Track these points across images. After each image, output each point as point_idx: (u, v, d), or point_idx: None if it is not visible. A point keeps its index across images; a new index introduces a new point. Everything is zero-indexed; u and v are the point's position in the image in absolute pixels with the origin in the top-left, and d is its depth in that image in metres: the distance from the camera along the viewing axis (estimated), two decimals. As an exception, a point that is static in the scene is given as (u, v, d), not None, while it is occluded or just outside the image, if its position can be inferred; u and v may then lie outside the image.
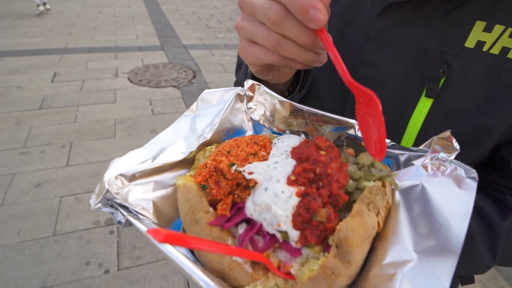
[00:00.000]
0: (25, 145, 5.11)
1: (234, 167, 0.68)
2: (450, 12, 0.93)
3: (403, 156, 0.82)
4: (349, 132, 0.88)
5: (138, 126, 5.72)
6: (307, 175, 0.68)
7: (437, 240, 0.63)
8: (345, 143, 0.79)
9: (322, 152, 0.71)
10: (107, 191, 0.69)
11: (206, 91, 0.95)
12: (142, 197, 0.74)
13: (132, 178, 0.74)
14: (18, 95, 6.41)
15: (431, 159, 0.78)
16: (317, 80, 1.22)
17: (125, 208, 0.70)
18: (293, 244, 0.67)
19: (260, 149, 0.74)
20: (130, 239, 3.77)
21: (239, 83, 1.12)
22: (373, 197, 0.68)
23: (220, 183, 0.70)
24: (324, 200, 0.66)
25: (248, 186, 0.70)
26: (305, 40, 0.73)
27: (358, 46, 1.10)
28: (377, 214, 0.69)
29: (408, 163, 0.82)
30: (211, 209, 0.69)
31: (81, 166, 4.76)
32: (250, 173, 0.69)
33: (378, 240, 0.71)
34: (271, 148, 0.76)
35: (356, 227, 0.63)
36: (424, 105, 0.99)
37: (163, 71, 7.80)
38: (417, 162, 0.80)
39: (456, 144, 0.76)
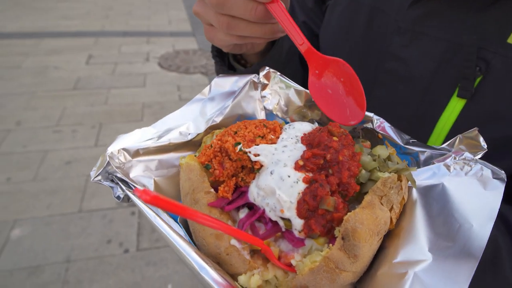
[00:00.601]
0: (59, 123, 5.33)
1: (239, 147, 0.65)
2: (491, 4, 0.82)
3: (424, 154, 0.76)
4: (366, 126, 0.83)
5: (165, 111, 5.81)
6: (316, 160, 0.63)
7: (455, 241, 0.57)
8: (361, 135, 0.73)
9: (335, 138, 0.66)
10: (108, 163, 0.68)
11: (220, 75, 0.91)
12: (144, 174, 0.72)
13: (135, 154, 0.73)
14: (55, 75, 6.68)
15: (454, 158, 0.71)
16: None
17: (125, 183, 0.69)
18: (296, 233, 0.62)
19: (269, 132, 0.70)
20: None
21: (217, 63, 1.09)
22: (387, 190, 0.62)
23: (224, 164, 0.67)
24: (333, 188, 0.61)
25: (253, 169, 0.66)
26: (253, 16, 0.70)
27: (386, 38, 1.02)
28: (391, 209, 0.63)
29: (428, 162, 0.75)
30: (212, 190, 0.66)
31: (108, 146, 4.92)
32: (256, 155, 0.65)
33: (389, 238, 0.65)
34: (281, 133, 0.71)
35: (366, 220, 0.58)
36: (455, 106, 0.89)
37: (192, 58, 7.87)
38: (439, 161, 0.74)
39: (483, 143, 0.70)
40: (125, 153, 0.71)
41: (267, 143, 0.68)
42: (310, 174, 0.63)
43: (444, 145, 0.77)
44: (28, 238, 3.54)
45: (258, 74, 0.92)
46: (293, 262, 0.63)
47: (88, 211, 3.88)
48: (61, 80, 6.52)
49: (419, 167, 0.78)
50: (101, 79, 6.71)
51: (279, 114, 0.91)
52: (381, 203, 0.62)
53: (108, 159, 0.68)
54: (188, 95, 6.44)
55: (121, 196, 0.67)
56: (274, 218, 0.63)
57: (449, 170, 0.71)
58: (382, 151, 0.68)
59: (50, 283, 3.18)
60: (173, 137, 0.78)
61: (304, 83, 1.29)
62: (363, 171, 0.64)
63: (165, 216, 0.68)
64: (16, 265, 3.28)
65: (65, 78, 6.62)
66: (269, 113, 0.93)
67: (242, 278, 0.62)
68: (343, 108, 0.62)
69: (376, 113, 0.89)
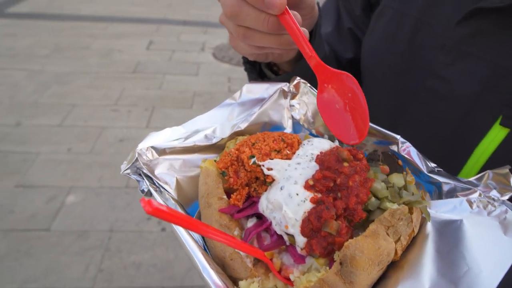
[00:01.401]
0: (117, 103, 5.74)
1: (253, 160, 0.68)
2: None
3: (448, 185, 0.73)
4: (391, 148, 0.81)
5: (214, 101, 6.00)
6: (326, 183, 0.64)
7: (458, 286, 0.55)
8: (380, 158, 0.72)
9: (345, 164, 0.66)
10: (137, 159, 0.74)
11: (251, 81, 0.94)
12: (168, 172, 0.78)
13: (162, 152, 0.78)
14: (118, 58, 7.17)
15: (480, 195, 0.68)
16: (373, 91, 1.14)
17: (150, 178, 0.75)
18: (298, 250, 0.64)
19: (285, 147, 0.72)
20: (188, 204, 4.06)
21: (246, 69, 1.10)
22: (395, 221, 0.61)
23: (239, 173, 0.70)
24: (339, 212, 0.62)
25: (265, 181, 0.69)
26: (266, 27, 0.70)
27: (430, 54, 0.97)
28: (397, 240, 0.62)
29: (451, 194, 0.73)
30: (225, 196, 0.70)
31: (158, 130, 5.22)
32: (269, 169, 0.68)
33: (393, 268, 0.65)
34: (298, 148, 0.73)
35: (367, 249, 0.58)
36: (496, 135, 0.84)
37: (246, 51, 7.97)
38: (462, 195, 0.70)
39: None
40: (153, 150, 0.77)
41: (282, 158, 0.70)
42: (319, 195, 0.64)
43: (472, 179, 0.73)
44: (79, 205, 3.91)
45: (289, 83, 0.94)
46: (291, 276, 0.65)
47: (133, 188, 4.17)
48: (123, 63, 6.98)
49: (441, 198, 0.76)
50: (158, 64, 7.07)
51: (305, 125, 0.92)
52: (387, 234, 0.61)
53: (137, 155, 0.74)
54: (238, 87, 6.55)
55: (145, 190, 0.74)
56: (279, 232, 0.66)
57: (471, 206, 0.68)
58: (398, 179, 0.67)
59: (94, 247, 3.49)
60: (199, 139, 0.83)
61: None
62: (373, 199, 0.64)
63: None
64: (67, 228, 3.64)
65: (127, 61, 7.07)
66: (296, 123, 0.94)
67: (242, 284, 0.66)
68: (347, 125, 0.62)
69: (410, 130, 0.86)
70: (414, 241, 0.67)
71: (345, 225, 0.61)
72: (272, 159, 0.69)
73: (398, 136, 0.79)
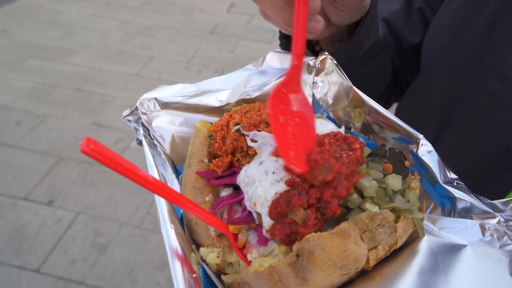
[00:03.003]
0: (190, 61, 5.98)
1: (237, 127, 0.63)
2: None
3: (463, 203, 0.61)
4: (411, 148, 0.70)
5: (281, 73, 5.90)
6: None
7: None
8: (386, 155, 0.62)
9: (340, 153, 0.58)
10: (137, 108, 0.75)
11: (275, 50, 0.88)
12: (166, 126, 0.77)
13: (165, 105, 0.78)
14: (199, 17, 7.37)
15: (499, 222, 0.56)
16: (427, 86, 0.98)
17: (147, 129, 0.76)
18: (263, 231, 0.60)
19: (279, 121, 0.66)
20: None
21: (281, 44, 0.99)
22: (374, 226, 0.53)
23: (226, 139, 0.67)
24: (311, 201, 0.55)
25: (248, 153, 0.64)
26: None
27: (503, 50, 0.81)
28: (372, 248, 0.54)
29: (466, 214, 0.61)
30: (206, 160, 0.67)
31: (222, 93, 5.35)
32: (253, 141, 0.63)
33: (363, 278, 0.57)
34: (293, 125, 0.66)
35: (330, 247, 0.52)
36: None
37: (326, 26, 7.59)
38: (478, 218, 0.58)
39: None
40: (156, 102, 0.77)
41: (270, 132, 0.64)
42: (297, 178, 0.58)
43: (497, 202, 0.61)
44: (141, 151, 4.26)
45: (316, 57, 0.85)
46: (249, 256, 0.61)
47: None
48: (203, 23, 7.16)
49: (453, 216, 0.64)
50: (235, 28, 7.12)
51: (324, 106, 0.84)
52: (361, 238, 0.54)
53: (138, 104, 0.75)
54: (309, 62, 6.34)
55: (140, 139, 0.75)
56: (248, 208, 0.62)
57: (483, 233, 0.57)
58: (394, 181, 0.57)
59: (146, 192, 3.80)
60: (205, 100, 0.81)
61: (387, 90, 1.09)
62: (355, 196, 0.56)
63: (169, 169, 0.74)
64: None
65: (206, 21, 7.24)
66: (316, 102, 0.86)
67: (202, 250, 0.64)
68: (287, 147, 0.55)
69: (457, 139, 0.74)
70: (397, 255, 0.58)
71: (315, 216, 0.55)
72: (259, 131, 0.64)
73: (420, 136, 0.68)
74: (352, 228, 0.53)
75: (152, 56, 5.95)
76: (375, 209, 0.53)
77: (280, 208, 0.57)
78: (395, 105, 1.37)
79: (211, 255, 0.62)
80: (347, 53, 0.89)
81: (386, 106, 1.25)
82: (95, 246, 3.33)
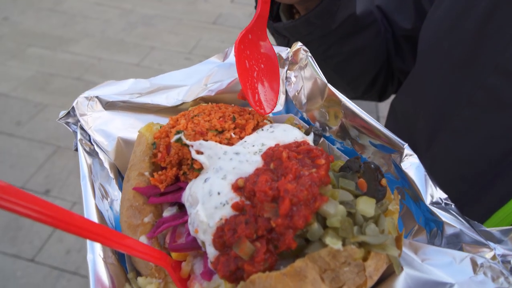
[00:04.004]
0: (191, 52, 5.85)
1: (177, 136, 0.52)
2: None
3: (452, 229, 0.49)
4: (393, 157, 0.58)
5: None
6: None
7: None
8: (361, 170, 0.51)
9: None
10: (73, 108, 0.64)
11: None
12: (109, 129, 0.66)
13: (110, 105, 0.67)
14: (202, 7, 7.20)
15: (494, 257, 0.44)
16: (422, 82, 0.91)
17: (86, 133, 0.65)
18: (209, 262, 0.49)
19: (233, 129, 0.54)
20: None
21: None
22: (337, 265, 0.42)
23: (171, 149, 0.56)
24: (260, 232, 0.44)
25: (192, 166, 0.53)
26: None
27: (503, 41, 0.71)
28: (335, 291, 0.43)
29: (455, 242, 0.49)
30: (147, 173, 0.56)
31: (223, 84, 5.24)
32: (198, 152, 0.52)
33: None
34: (250, 133, 0.55)
35: (279, 292, 0.41)
36: None
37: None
38: (470, 250, 0.47)
39: None
40: (99, 101, 0.67)
41: (220, 141, 0.53)
42: (247, 202, 0.47)
43: (494, 230, 0.49)
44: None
45: (290, 48, 0.74)
46: (190, 292, 0.51)
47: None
48: (206, 13, 7.00)
49: (441, 241, 0.53)
50: (238, 19, 6.95)
51: (297, 105, 0.72)
52: (321, 278, 0.42)
53: (74, 104, 0.64)
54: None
55: (76, 144, 0.64)
56: (191, 233, 0.51)
57: (474, 270, 0.45)
58: (366, 206, 0.46)
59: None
60: (159, 99, 0.70)
61: (369, 84, 1.06)
62: (315, 226, 0.44)
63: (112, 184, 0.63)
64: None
65: (210, 11, 7.08)
66: (290, 101, 0.75)
67: (140, 280, 0.54)
68: (254, 90, 0.57)
69: (450, 141, 0.63)
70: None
71: (265, 250, 0.44)
72: (206, 140, 0.53)
73: (405, 144, 0.57)
74: (310, 267, 0.42)
75: (153, 46, 5.83)
76: (338, 245, 0.42)
77: (225, 237, 0.46)
78: (389, 102, 1.29)
79: (150, 287, 0.52)
80: (316, 21, 0.85)
81: (384, 96, 1.26)
82: (89, 238, 3.28)
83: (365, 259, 0.43)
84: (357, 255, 0.42)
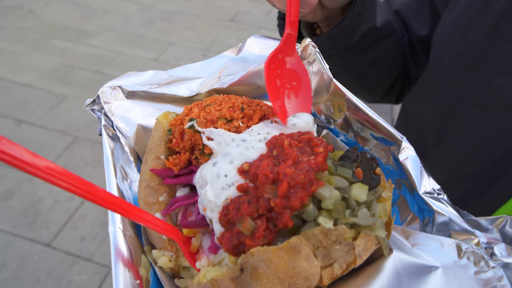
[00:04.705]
0: (208, 48, 5.93)
1: (190, 123, 0.58)
2: None
3: (442, 217, 0.53)
4: (392, 150, 0.62)
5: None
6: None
7: None
8: (358, 160, 0.55)
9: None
10: (98, 96, 0.70)
11: (255, 35, 0.81)
12: (131, 117, 0.72)
13: (131, 94, 0.73)
14: (221, 4, 7.27)
15: (478, 244, 0.48)
16: (434, 81, 0.94)
17: (109, 119, 0.71)
18: (215, 238, 0.55)
19: (241, 118, 0.59)
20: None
21: (278, 25, 1.02)
22: (329, 243, 0.47)
23: (185, 135, 0.61)
24: (261, 211, 0.49)
25: (203, 151, 0.59)
26: None
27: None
28: (326, 266, 0.48)
29: (445, 229, 0.53)
30: (163, 156, 0.62)
31: (238, 81, 5.29)
32: (209, 139, 0.57)
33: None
34: (256, 123, 0.60)
35: (276, 264, 0.46)
36: None
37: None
38: (457, 237, 0.51)
39: None
40: (121, 90, 0.73)
41: (229, 129, 0.58)
42: (250, 184, 0.52)
43: (481, 219, 0.53)
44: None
45: (300, 44, 0.78)
46: (198, 264, 0.56)
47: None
48: (223, 10, 7.07)
49: (432, 230, 0.57)
50: (255, 17, 6.99)
51: None
52: (314, 255, 0.47)
53: (100, 92, 0.70)
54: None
55: (101, 129, 0.70)
56: (201, 212, 0.57)
57: (459, 255, 0.50)
58: (359, 192, 0.50)
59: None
60: (176, 90, 0.75)
61: (390, 91, 1.08)
62: (311, 207, 0.49)
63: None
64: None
65: (227, 8, 7.14)
66: None
67: (154, 252, 0.60)
68: (283, 106, 0.58)
69: (457, 136, 0.67)
70: (359, 273, 0.51)
71: (265, 227, 0.49)
72: (216, 128, 0.58)
73: (403, 137, 0.61)
74: (304, 244, 0.47)
75: (171, 42, 5.94)
76: (329, 224, 0.46)
77: (230, 215, 0.51)
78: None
79: (163, 259, 0.58)
80: (339, 37, 0.88)
81: (400, 99, 1.28)
82: (104, 225, 3.39)
83: (355, 239, 0.48)
84: (347, 234, 0.47)
